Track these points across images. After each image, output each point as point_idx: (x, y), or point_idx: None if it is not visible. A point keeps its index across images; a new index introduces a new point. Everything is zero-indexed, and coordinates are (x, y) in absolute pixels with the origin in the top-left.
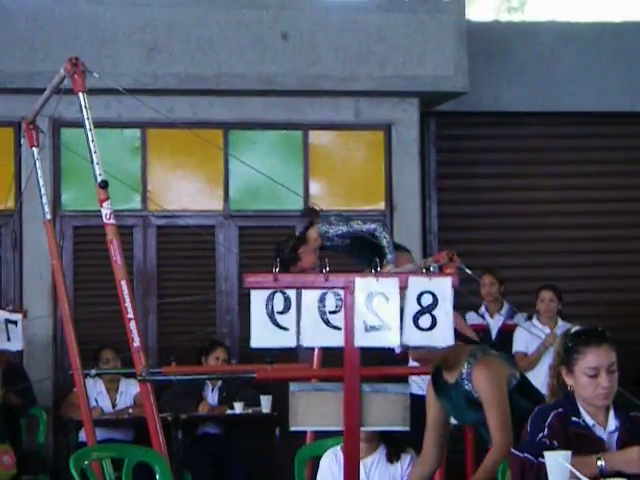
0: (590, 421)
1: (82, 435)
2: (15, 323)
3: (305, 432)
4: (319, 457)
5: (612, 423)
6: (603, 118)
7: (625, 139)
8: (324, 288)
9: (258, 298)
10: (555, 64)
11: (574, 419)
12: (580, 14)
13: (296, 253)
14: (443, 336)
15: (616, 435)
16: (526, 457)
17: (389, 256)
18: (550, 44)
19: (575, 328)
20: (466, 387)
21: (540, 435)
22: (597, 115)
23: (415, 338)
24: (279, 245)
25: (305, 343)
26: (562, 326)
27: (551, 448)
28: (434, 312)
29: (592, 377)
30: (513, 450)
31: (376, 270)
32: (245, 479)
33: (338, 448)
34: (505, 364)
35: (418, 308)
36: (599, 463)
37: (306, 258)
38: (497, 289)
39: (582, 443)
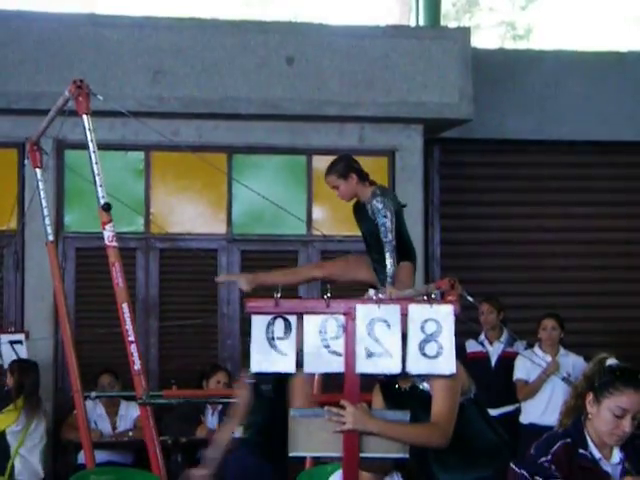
0: (597, 454)
1: (81, 457)
2: (20, 342)
3: (304, 457)
4: None
5: (616, 456)
6: (607, 147)
7: (629, 168)
8: (325, 314)
9: (259, 323)
10: (560, 92)
11: (581, 451)
12: (585, 43)
13: (349, 172)
14: (447, 364)
15: (620, 468)
16: (522, 474)
17: (389, 280)
18: (555, 72)
19: (612, 360)
20: (421, 387)
21: (543, 459)
22: (601, 144)
23: (420, 366)
24: (341, 157)
25: (307, 369)
26: (564, 354)
27: (549, 473)
28: (439, 339)
29: (617, 417)
30: (512, 465)
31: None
32: None
33: None
34: (464, 373)
35: (423, 336)
36: None
37: (347, 185)
38: (495, 317)
39: (587, 477)
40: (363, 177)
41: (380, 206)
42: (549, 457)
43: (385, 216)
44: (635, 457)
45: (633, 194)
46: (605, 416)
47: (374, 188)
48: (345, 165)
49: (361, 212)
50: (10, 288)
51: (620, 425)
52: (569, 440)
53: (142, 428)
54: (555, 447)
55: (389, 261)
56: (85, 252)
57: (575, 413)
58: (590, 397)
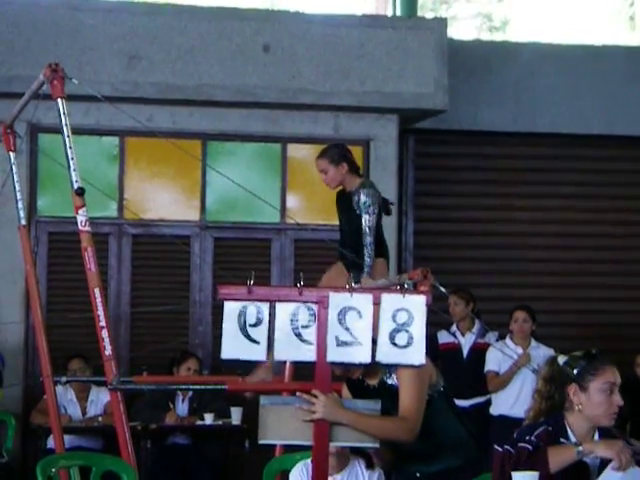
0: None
1: (51, 442)
2: None
3: (274, 445)
4: (288, 470)
5: None
6: (581, 140)
7: (602, 162)
8: (297, 302)
9: (231, 310)
10: (535, 85)
11: (562, 440)
12: (561, 36)
13: (341, 160)
14: (417, 354)
15: (599, 460)
16: (506, 449)
17: (366, 270)
18: (531, 65)
19: (562, 357)
20: (389, 382)
21: (527, 437)
22: (575, 137)
23: (391, 355)
24: (337, 144)
25: (277, 357)
26: (535, 346)
27: (535, 448)
28: (410, 329)
29: (608, 394)
30: (496, 447)
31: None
32: None
33: (309, 461)
34: (431, 366)
35: (394, 325)
36: (578, 448)
37: (336, 172)
38: (463, 308)
39: (567, 467)
40: (354, 168)
41: (367, 199)
42: (533, 438)
43: (369, 210)
44: None
45: (607, 188)
46: (597, 398)
47: (364, 180)
48: (338, 152)
49: (345, 202)
50: None
51: (612, 401)
52: (550, 428)
53: (112, 414)
54: (538, 431)
55: (367, 253)
56: (58, 236)
57: (544, 416)
58: (574, 389)
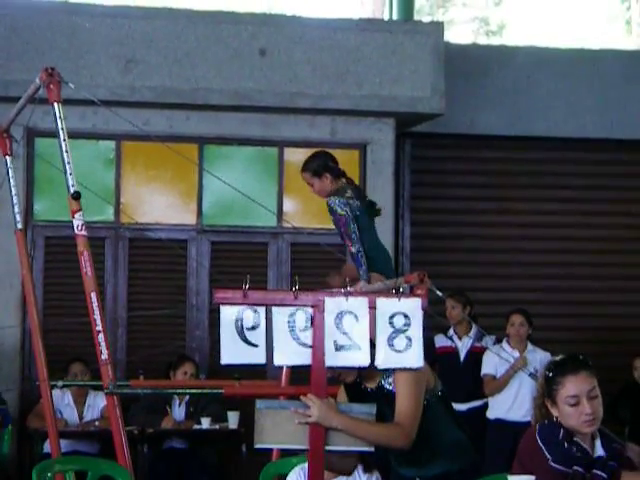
0: (584, 445)
1: (47, 446)
2: None
3: (271, 449)
4: (284, 474)
5: (599, 452)
6: (578, 144)
7: (599, 166)
8: (293, 306)
9: (228, 314)
10: (532, 89)
11: (575, 439)
12: (558, 40)
13: (322, 171)
14: (415, 357)
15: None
16: (577, 470)
17: (362, 280)
18: (527, 69)
19: (559, 357)
20: (387, 387)
21: (567, 447)
22: (572, 141)
23: (390, 360)
24: (317, 154)
25: (277, 362)
26: (531, 350)
27: (609, 475)
28: (407, 333)
29: (574, 406)
30: (555, 465)
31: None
32: None
33: (306, 465)
34: (429, 371)
35: (391, 329)
36: None
37: (321, 183)
38: (459, 312)
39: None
40: (338, 176)
41: (333, 208)
42: (566, 444)
43: (335, 217)
44: (616, 459)
45: (601, 191)
46: (566, 411)
47: (336, 187)
48: (319, 164)
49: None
50: None
51: (582, 411)
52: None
53: (109, 418)
54: (561, 433)
55: (358, 261)
56: (54, 241)
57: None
58: (549, 403)
